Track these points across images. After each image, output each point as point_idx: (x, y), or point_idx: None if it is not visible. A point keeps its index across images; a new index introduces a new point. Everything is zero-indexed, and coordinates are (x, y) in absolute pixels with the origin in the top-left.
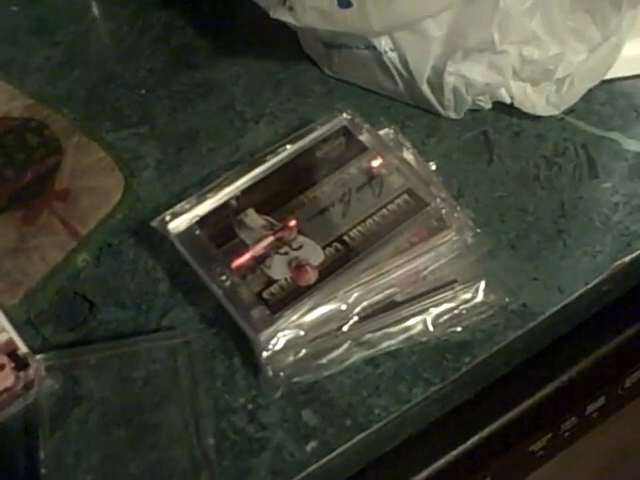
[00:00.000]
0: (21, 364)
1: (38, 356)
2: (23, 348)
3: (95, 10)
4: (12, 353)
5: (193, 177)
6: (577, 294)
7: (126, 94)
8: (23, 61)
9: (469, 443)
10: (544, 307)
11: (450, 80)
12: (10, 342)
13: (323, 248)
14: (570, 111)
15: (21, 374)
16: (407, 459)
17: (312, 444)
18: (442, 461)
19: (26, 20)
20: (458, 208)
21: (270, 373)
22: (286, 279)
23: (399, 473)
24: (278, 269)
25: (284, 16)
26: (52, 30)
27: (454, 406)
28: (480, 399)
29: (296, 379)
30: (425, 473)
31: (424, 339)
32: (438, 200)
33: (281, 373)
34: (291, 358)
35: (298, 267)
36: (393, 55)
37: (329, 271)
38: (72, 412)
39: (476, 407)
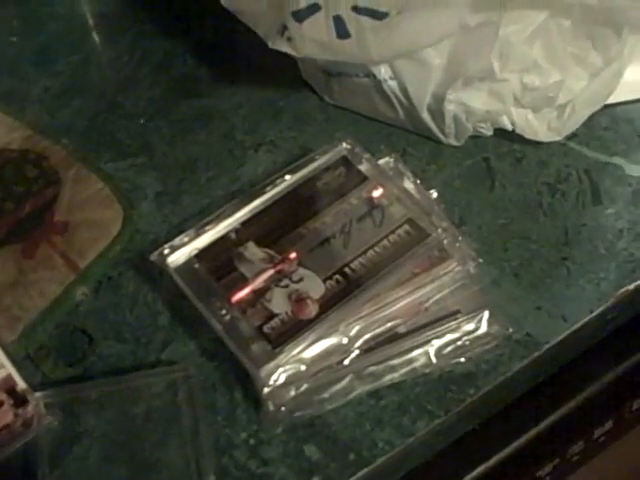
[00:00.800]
0: (20, 401)
1: (37, 393)
2: (22, 384)
3: (95, 38)
4: (11, 390)
5: (192, 208)
6: (582, 323)
7: (125, 124)
8: (23, 92)
9: (475, 473)
10: (548, 336)
11: (450, 108)
12: (9, 378)
13: (324, 280)
14: (572, 136)
15: (20, 411)
16: None
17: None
18: None
19: (26, 50)
20: (460, 238)
21: (271, 408)
22: (287, 313)
23: None
24: (278, 303)
25: (283, 47)
26: (52, 60)
27: (459, 436)
28: (485, 428)
29: (298, 413)
30: None
31: (427, 371)
32: (439, 230)
33: (282, 408)
34: (292, 392)
35: (298, 300)
36: (393, 83)
37: (330, 304)
38: (72, 449)
39: (481, 436)
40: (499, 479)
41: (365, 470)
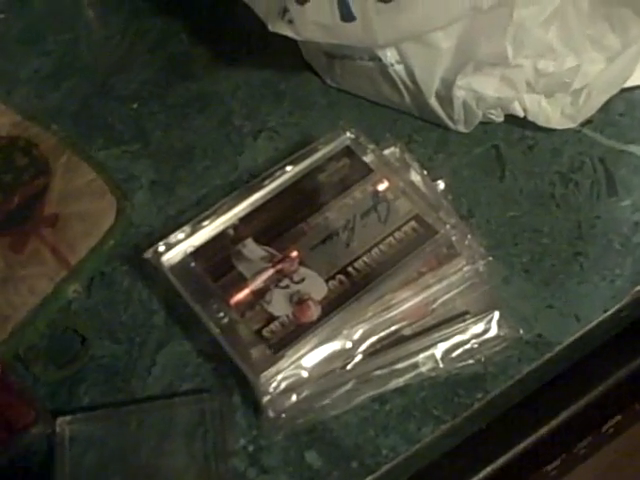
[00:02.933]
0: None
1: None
2: None
3: (87, 15)
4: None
5: (189, 198)
6: (595, 322)
7: (118, 108)
8: (11, 73)
9: (482, 474)
10: (560, 337)
11: (460, 94)
12: None
13: (326, 281)
14: (587, 123)
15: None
16: None
17: None
18: None
19: (14, 28)
20: (469, 235)
21: (271, 415)
22: (287, 315)
23: None
24: (279, 305)
25: (283, 30)
26: (41, 39)
27: (465, 438)
28: (492, 427)
29: (299, 420)
30: None
31: (434, 374)
32: (448, 227)
33: (283, 415)
34: (293, 399)
35: (300, 302)
36: (399, 68)
37: (333, 306)
38: (64, 455)
39: (488, 436)
40: (508, 474)
41: (369, 479)
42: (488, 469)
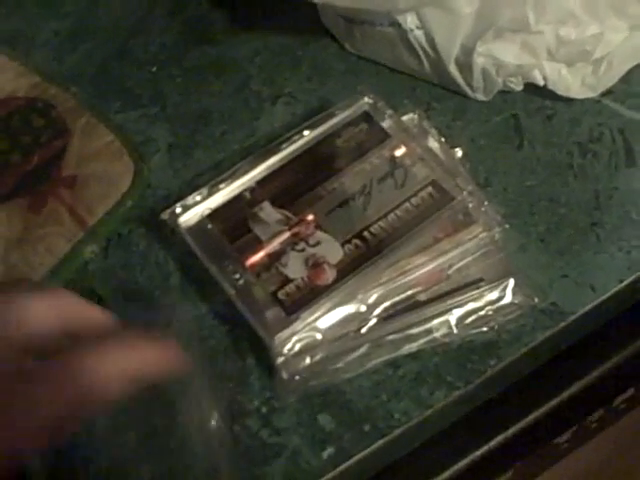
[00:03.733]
0: None
1: None
2: None
3: None
4: None
5: (206, 162)
6: (610, 293)
7: (136, 72)
8: (29, 35)
9: (493, 443)
10: (575, 307)
11: (480, 61)
12: None
13: (342, 245)
14: (607, 93)
15: None
16: (426, 460)
17: (329, 451)
18: (464, 462)
19: None
20: (486, 202)
21: (285, 376)
22: (302, 278)
23: (418, 474)
24: (294, 267)
25: None
26: (60, 1)
27: (476, 406)
28: (504, 397)
29: (313, 382)
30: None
31: (448, 340)
32: (465, 193)
33: (297, 377)
34: (307, 361)
35: (315, 265)
36: (419, 33)
37: (348, 270)
38: None
39: (500, 406)
40: (519, 444)
41: (380, 442)
42: (499, 438)
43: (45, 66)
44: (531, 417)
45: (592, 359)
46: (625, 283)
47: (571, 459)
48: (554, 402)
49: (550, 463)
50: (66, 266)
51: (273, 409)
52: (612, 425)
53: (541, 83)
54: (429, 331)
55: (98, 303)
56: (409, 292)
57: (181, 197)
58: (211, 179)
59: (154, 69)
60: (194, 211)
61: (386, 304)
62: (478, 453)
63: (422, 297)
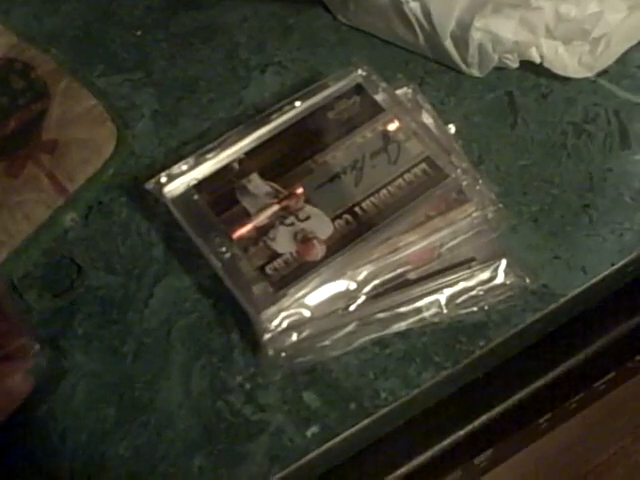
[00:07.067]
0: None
1: None
2: None
3: None
4: None
5: (192, 131)
6: (601, 276)
7: (120, 35)
8: None
9: (477, 422)
10: (566, 289)
11: (476, 36)
12: None
13: (332, 220)
14: (603, 73)
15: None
16: (410, 437)
17: (313, 429)
18: (447, 441)
19: None
20: (480, 181)
21: (271, 353)
22: (291, 253)
23: (401, 452)
24: (283, 242)
25: None
26: None
27: (462, 385)
28: (489, 378)
29: (299, 360)
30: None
31: (437, 320)
32: (459, 171)
33: (283, 354)
34: (294, 338)
35: (304, 241)
36: (415, 5)
37: (338, 246)
38: (58, 387)
39: (484, 386)
40: (502, 424)
41: (366, 421)
42: (483, 418)
43: (24, 26)
44: (515, 398)
45: (578, 342)
46: (617, 267)
47: (546, 438)
48: (539, 383)
49: (529, 442)
50: (45, 234)
51: (257, 385)
52: (590, 406)
53: (537, 61)
54: (418, 310)
55: (77, 273)
56: (399, 270)
57: (165, 166)
58: (197, 148)
59: (139, 33)
60: (180, 181)
61: (376, 282)
62: (461, 433)
63: (412, 275)
